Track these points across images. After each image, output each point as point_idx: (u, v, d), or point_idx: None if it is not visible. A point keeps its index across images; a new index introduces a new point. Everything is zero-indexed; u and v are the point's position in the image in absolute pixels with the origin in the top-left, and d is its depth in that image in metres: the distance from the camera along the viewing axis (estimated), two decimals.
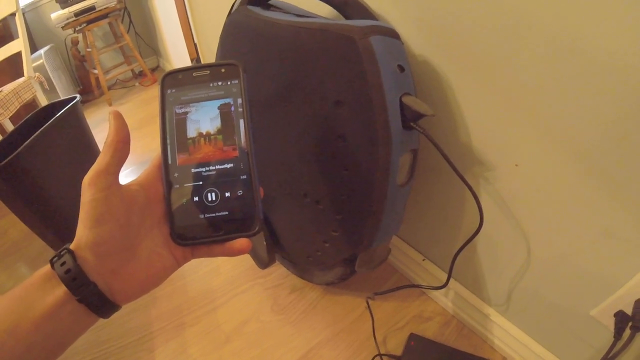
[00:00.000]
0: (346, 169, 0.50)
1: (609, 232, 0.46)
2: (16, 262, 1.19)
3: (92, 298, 0.27)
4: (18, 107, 1.54)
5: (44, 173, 1.02)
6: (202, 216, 0.30)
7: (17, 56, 1.65)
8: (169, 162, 0.30)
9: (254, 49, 0.56)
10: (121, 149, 0.29)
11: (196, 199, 0.30)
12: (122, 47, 2.39)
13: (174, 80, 0.31)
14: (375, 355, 0.72)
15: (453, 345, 0.73)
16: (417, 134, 0.50)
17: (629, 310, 0.46)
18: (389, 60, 0.46)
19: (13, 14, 1.62)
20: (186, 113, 0.31)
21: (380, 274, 0.89)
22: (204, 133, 0.30)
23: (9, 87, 1.55)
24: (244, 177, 0.30)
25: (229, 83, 0.31)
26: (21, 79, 1.61)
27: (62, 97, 1.34)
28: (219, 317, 0.87)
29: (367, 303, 0.79)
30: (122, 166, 0.29)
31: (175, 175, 0.30)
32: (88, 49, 2.21)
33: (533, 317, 0.64)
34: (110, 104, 2.28)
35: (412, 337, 0.74)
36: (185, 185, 0.30)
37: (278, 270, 0.94)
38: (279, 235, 0.71)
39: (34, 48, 2.21)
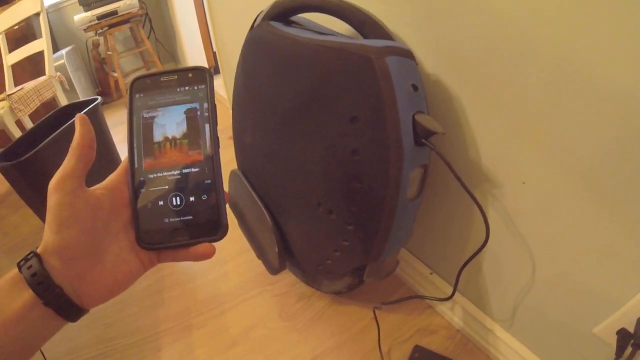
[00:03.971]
0: (359, 181, 0.52)
1: (611, 252, 0.46)
2: None
3: (58, 302, 0.27)
4: (38, 105, 1.58)
5: None
6: (167, 220, 0.30)
7: (39, 55, 1.70)
8: (135, 166, 0.30)
9: (275, 64, 0.58)
10: (86, 153, 0.28)
11: (161, 203, 0.30)
12: (141, 52, 2.45)
13: (142, 85, 0.31)
14: None
15: (457, 359, 0.73)
16: (428, 150, 0.52)
17: (631, 328, 0.47)
18: (404, 80, 0.48)
19: (37, 14, 1.67)
20: (153, 117, 0.31)
21: (387, 286, 0.90)
22: (170, 137, 0.30)
23: (30, 84, 1.59)
24: (209, 181, 0.30)
25: (195, 88, 0.31)
26: (42, 78, 1.65)
27: (81, 98, 1.39)
28: (227, 321, 0.88)
29: (374, 313, 0.80)
30: (87, 170, 0.29)
31: (141, 179, 0.30)
32: (108, 52, 2.28)
33: (537, 333, 0.64)
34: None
35: (417, 349, 0.75)
36: (151, 189, 0.30)
37: (287, 278, 0.95)
38: (291, 242, 0.73)
39: (55, 48, 2.28)
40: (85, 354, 0.86)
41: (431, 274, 0.81)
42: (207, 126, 0.30)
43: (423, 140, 0.49)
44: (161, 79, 0.31)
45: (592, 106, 0.41)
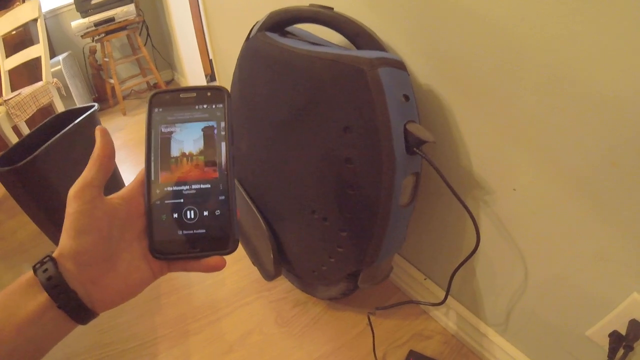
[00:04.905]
0: (352, 189, 0.53)
1: (602, 255, 0.47)
2: (22, 263, 1.22)
3: (72, 305, 0.28)
4: (34, 111, 1.57)
5: (59, 176, 1.04)
6: (180, 232, 0.31)
7: (36, 61, 1.69)
8: (152, 178, 0.31)
9: (270, 74, 0.59)
10: (106, 164, 0.30)
11: (175, 215, 0.31)
12: (138, 59, 2.45)
13: (161, 100, 0.32)
14: None
15: None
16: (420, 158, 0.53)
17: (623, 331, 0.48)
18: (395, 91, 0.49)
19: (35, 20, 1.67)
20: (171, 132, 0.31)
21: (382, 292, 0.90)
22: (187, 153, 0.31)
23: (27, 90, 1.58)
24: (222, 197, 0.31)
25: (214, 107, 0.32)
26: (39, 83, 1.64)
27: (78, 104, 1.39)
28: (223, 327, 0.88)
29: (369, 318, 0.81)
30: (106, 180, 0.30)
31: (157, 191, 0.31)
32: (105, 59, 2.28)
33: (530, 336, 0.65)
34: (124, 114, 2.33)
35: (412, 354, 0.76)
36: (166, 202, 0.31)
37: (282, 284, 0.95)
38: (286, 249, 0.74)
39: (52, 54, 2.28)
40: None
41: (425, 279, 0.81)
42: (223, 144, 0.31)
43: (414, 149, 0.50)
44: (180, 96, 0.32)
45: (583, 113, 0.42)
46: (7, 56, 1.75)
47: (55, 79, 1.74)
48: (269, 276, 0.78)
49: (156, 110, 0.32)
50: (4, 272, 1.21)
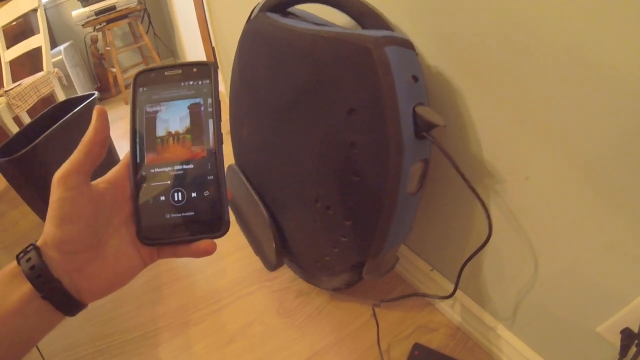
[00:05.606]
0: (357, 176, 0.51)
1: (616, 248, 0.45)
2: None
3: (57, 295, 0.27)
4: (36, 101, 1.57)
5: (59, 166, 1.04)
6: (168, 216, 0.30)
7: (37, 51, 1.69)
8: (137, 161, 0.30)
9: (271, 55, 0.57)
10: (97, 150, 0.28)
11: (163, 198, 0.30)
12: (140, 47, 2.44)
13: (146, 79, 0.31)
14: None
15: (457, 358, 0.72)
16: (429, 143, 0.51)
17: (635, 328, 0.46)
18: (404, 71, 0.47)
19: (35, 10, 1.66)
20: (156, 112, 0.30)
21: (387, 283, 0.89)
22: (173, 132, 0.30)
23: (28, 80, 1.58)
24: (211, 177, 0.30)
25: (200, 83, 0.31)
26: (40, 74, 1.64)
27: (80, 94, 1.37)
28: (224, 317, 0.87)
29: (373, 310, 0.79)
30: (94, 167, 0.28)
31: (143, 174, 0.30)
32: (107, 48, 2.26)
33: (539, 331, 0.63)
34: (126, 103, 2.33)
35: (417, 347, 0.74)
36: (153, 184, 0.30)
37: (285, 274, 0.94)
38: (288, 238, 0.72)
39: (53, 44, 2.27)
40: (83, 351, 0.85)
41: (432, 270, 0.80)
42: (210, 122, 0.30)
43: (424, 134, 0.48)
44: (165, 73, 0.31)
45: (600, 97, 0.40)
46: (7, 47, 1.75)
47: (56, 69, 1.74)
48: (270, 266, 0.77)
49: (141, 89, 0.31)
50: (7, 263, 1.19)
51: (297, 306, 0.87)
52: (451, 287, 0.74)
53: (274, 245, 0.71)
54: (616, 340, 0.48)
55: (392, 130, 0.46)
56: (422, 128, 0.47)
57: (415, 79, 0.48)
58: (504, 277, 0.64)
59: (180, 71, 0.31)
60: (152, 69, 0.31)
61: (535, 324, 0.63)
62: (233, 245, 1.04)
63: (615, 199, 0.43)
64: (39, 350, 0.76)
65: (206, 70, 0.31)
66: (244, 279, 0.96)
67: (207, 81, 0.31)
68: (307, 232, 0.66)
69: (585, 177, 0.45)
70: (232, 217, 0.89)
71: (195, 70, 0.31)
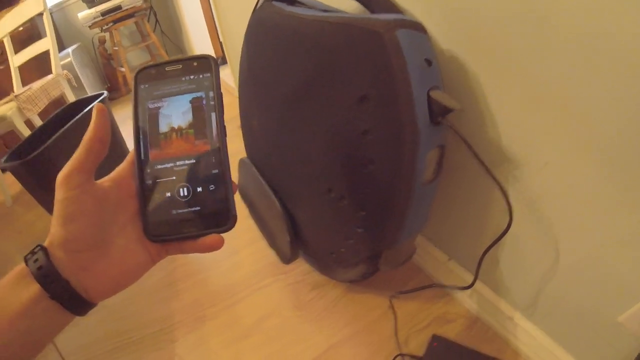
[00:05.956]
0: (371, 164, 0.50)
1: (635, 238, 0.44)
2: None
3: (65, 295, 0.26)
4: (47, 104, 1.60)
5: None
6: (174, 212, 0.29)
7: (45, 55, 1.71)
8: (142, 157, 0.30)
9: (278, 44, 0.55)
10: (98, 148, 0.28)
11: (168, 194, 0.30)
12: (148, 45, 2.45)
13: (147, 76, 0.31)
14: (397, 355, 0.71)
15: (476, 348, 0.71)
16: (445, 129, 0.49)
17: None
18: (416, 54, 0.45)
19: (40, 14, 1.68)
20: (158, 108, 0.30)
21: (403, 273, 0.87)
22: (176, 128, 0.30)
23: (37, 84, 1.61)
24: (216, 171, 0.29)
25: (201, 76, 0.31)
26: (49, 76, 1.66)
27: (90, 94, 1.38)
28: (240, 311, 0.87)
29: (391, 302, 0.78)
30: (97, 164, 0.28)
31: (148, 171, 0.30)
32: (115, 48, 2.28)
33: (559, 321, 0.61)
34: None
35: (435, 338, 0.73)
36: (158, 180, 0.30)
37: (300, 266, 0.93)
38: (303, 230, 0.71)
39: (62, 47, 2.29)
40: (100, 348, 0.86)
41: (449, 260, 0.78)
42: (213, 115, 0.30)
43: (439, 119, 0.46)
44: (166, 69, 0.31)
45: (624, 78, 0.38)
46: (16, 52, 1.77)
47: (65, 71, 1.76)
48: (285, 259, 0.76)
49: (142, 86, 0.31)
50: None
51: (312, 299, 0.86)
52: (468, 277, 0.72)
53: (288, 237, 0.71)
54: (638, 330, 0.47)
55: (406, 116, 0.44)
56: (438, 113, 0.46)
57: (429, 62, 0.46)
58: (523, 266, 0.63)
59: (181, 66, 0.31)
60: (152, 66, 0.31)
61: (556, 313, 0.61)
62: (247, 239, 1.04)
63: (636, 188, 0.41)
64: (57, 349, 0.77)
65: (207, 63, 0.31)
66: (258, 272, 0.95)
67: (208, 74, 0.31)
68: (321, 223, 0.65)
69: (607, 163, 0.43)
70: (246, 211, 0.89)
71: (195, 64, 0.31)
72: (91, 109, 1.18)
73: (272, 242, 0.83)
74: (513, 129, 0.52)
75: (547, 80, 0.44)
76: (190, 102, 0.30)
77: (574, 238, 0.52)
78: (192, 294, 0.94)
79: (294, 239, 0.72)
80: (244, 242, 1.04)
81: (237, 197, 0.88)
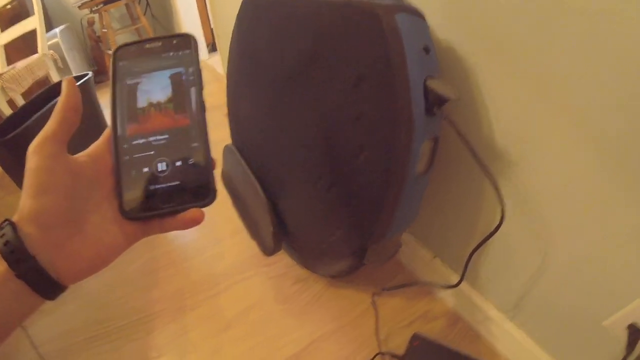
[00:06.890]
0: (363, 152, 0.48)
1: (631, 240, 0.43)
2: None
3: (33, 275, 0.25)
4: (31, 84, 1.55)
5: None
6: (152, 187, 0.28)
7: (32, 35, 1.66)
8: (118, 133, 0.29)
9: (272, 25, 0.53)
10: (70, 117, 0.27)
11: (146, 169, 0.29)
12: (138, 29, 2.39)
13: (126, 53, 0.31)
14: (377, 354, 0.70)
15: (457, 348, 0.70)
16: (439, 120, 0.48)
17: None
18: (415, 40, 0.44)
19: None
20: (137, 84, 0.30)
21: (386, 269, 0.87)
22: (155, 102, 0.30)
23: (22, 63, 1.55)
24: (196, 144, 0.29)
25: (180, 53, 0.31)
26: (35, 56, 1.61)
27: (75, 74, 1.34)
28: (221, 302, 0.85)
29: (373, 299, 0.77)
30: (70, 135, 0.27)
31: (125, 146, 0.29)
32: (104, 30, 2.21)
33: (542, 324, 0.61)
34: None
35: (416, 337, 0.72)
36: (135, 156, 0.29)
37: (283, 259, 0.92)
38: (288, 221, 0.69)
39: (49, 27, 2.22)
40: (77, 337, 0.83)
41: (434, 257, 0.77)
42: (192, 90, 0.30)
43: (435, 109, 0.45)
44: (146, 46, 0.31)
45: (624, 74, 0.37)
46: (2, 30, 1.71)
47: (51, 51, 1.71)
48: (268, 250, 0.74)
49: (121, 63, 0.31)
50: None
51: (295, 292, 0.85)
52: (453, 275, 0.71)
53: (272, 228, 0.69)
54: (623, 335, 0.47)
55: (402, 103, 0.43)
56: (434, 103, 0.44)
57: (427, 50, 0.45)
58: (511, 266, 0.62)
59: (161, 43, 0.31)
60: (132, 43, 0.31)
61: (539, 316, 0.61)
62: (230, 229, 1.02)
63: (634, 187, 0.41)
64: (27, 335, 0.73)
65: (186, 40, 0.31)
66: (241, 263, 0.94)
67: (188, 51, 0.31)
68: (308, 214, 0.63)
69: (605, 163, 0.43)
70: (230, 199, 0.87)
71: (175, 41, 0.31)
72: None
73: (255, 232, 0.81)
74: (509, 124, 0.51)
75: (548, 75, 0.44)
76: (170, 77, 0.30)
77: (565, 238, 0.51)
78: (173, 283, 0.92)
79: (278, 230, 0.70)
80: (228, 232, 1.02)
81: (221, 186, 0.85)
